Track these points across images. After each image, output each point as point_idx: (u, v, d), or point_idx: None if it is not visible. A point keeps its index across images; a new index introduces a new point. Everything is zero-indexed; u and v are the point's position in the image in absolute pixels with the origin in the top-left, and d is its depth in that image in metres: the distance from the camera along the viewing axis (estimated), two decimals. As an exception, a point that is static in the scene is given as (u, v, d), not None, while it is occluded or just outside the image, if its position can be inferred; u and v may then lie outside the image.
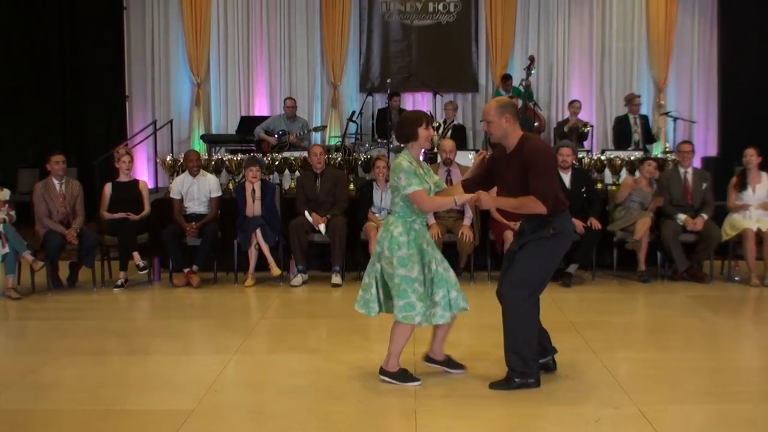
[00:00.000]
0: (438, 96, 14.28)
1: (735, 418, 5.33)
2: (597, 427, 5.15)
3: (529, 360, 5.89)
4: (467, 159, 10.91)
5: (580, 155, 11.31)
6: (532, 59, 14.56)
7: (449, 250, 9.90)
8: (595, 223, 9.79)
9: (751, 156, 10.15)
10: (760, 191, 10.04)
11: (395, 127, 6.32)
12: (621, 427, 5.15)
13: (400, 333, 6.04)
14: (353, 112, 13.83)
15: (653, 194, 10.09)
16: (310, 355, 6.92)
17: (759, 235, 9.69)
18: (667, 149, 13.53)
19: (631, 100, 13.67)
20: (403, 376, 6.08)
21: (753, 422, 5.27)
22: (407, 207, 5.95)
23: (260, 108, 15.64)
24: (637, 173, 10.61)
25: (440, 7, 15.81)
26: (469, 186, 6.16)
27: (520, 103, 13.59)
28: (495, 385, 5.93)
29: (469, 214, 9.91)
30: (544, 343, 6.24)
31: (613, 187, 11.07)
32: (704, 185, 10.22)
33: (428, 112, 13.59)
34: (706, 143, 15.81)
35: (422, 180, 5.93)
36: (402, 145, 6.15)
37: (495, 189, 6.20)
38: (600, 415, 5.32)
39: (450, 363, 6.36)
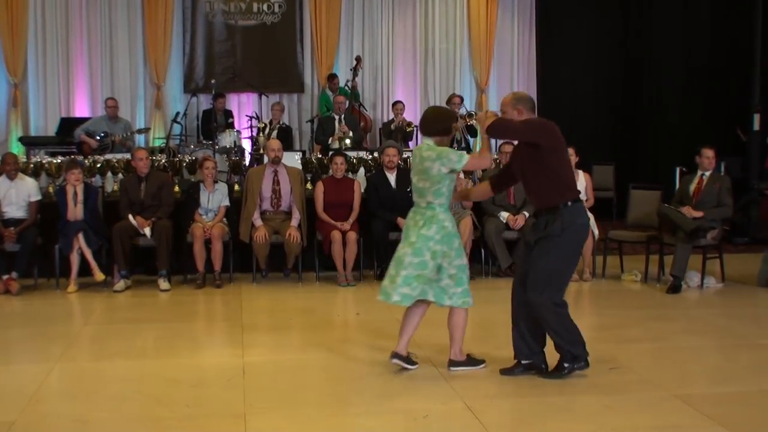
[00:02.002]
0: (264, 97, 14.20)
1: (556, 408, 5.51)
2: (425, 422, 5.22)
3: (577, 352, 6.06)
4: (293, 159, 10.92)
5: (406, 155, 11.44)
6: (358, 60, 14.68)
7: (276, 251, 9.90)
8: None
9: (570, 155, 10.45)
10: (579, 189, 10.37)
11: (427, 120, 6.28)
12: (449, 423, 5.25)
13: (460, 320, 6.25)
14: (177, 113, 13.60)
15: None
16: (135, 361, 6.77)
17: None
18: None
19: (450, 100, 13.91)
20: (473, 361, 6.33)
21: (570, 410, 5.49)
22: (449, 196, 6.12)
23: (81, 109, 15.15)
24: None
25: (264, 7, 15.71)
26: (494, 182, 6.53)
27: (347, 103, 13.67)
28: (550, 375, 6.11)
29: (296, 215, 9.90)
30: (534, 347, 6.23)
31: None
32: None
33: (254, 113, 13.55)
34: (527, 142, 16.25)
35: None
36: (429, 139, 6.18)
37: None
38: (428, 411, 5.40)
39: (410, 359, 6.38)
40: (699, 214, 9.55)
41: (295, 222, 9.88)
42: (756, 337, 7.47)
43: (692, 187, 9.89)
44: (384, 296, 6.19)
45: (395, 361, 6.22)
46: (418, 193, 6.15)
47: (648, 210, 10.37)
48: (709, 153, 9.81)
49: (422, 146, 6.20)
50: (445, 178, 6.04)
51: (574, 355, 6.06)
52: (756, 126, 13.37)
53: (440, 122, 6.21)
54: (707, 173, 9.85)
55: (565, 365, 6.08)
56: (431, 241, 6.03)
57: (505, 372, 6.21)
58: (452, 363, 6.30)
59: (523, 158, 6.10)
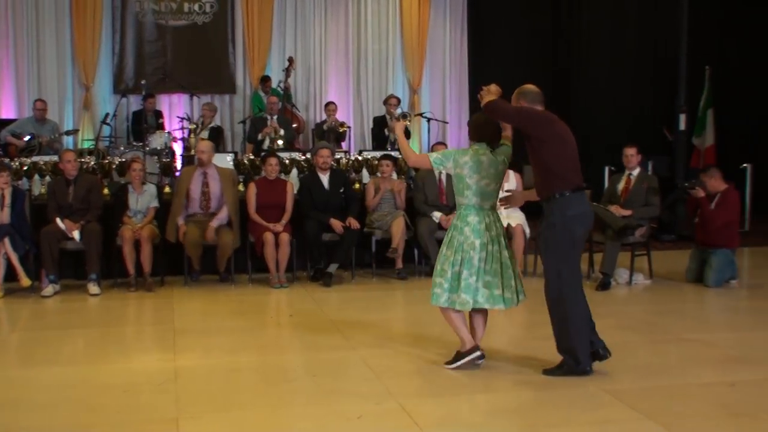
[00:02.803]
0: (195, 97, 14.10)
1: (489, 406, 5.55)
2: (359, 423, 5.23)
3: (579, 354, 6.07)
4: (225, 161, 10.86)
5: (338, 156, 11.44)
6: (290, 61, 14.65)
7: (209, 253, 9.82)
8: (354, 223, 9.92)
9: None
10: (508, 189, 10.45)
11: (479, 126, 6.37)
12: (383, 423, 5.25)
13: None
14: (107, 115, 13.41)
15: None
16: (65, 367, 6.66)
17: (508, 230, 10.10)
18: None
19: (387, 101, 13.95)
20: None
21: (503, 407, 5.52)
22: None
23: (7, 111, 14.88)
24: (378, 174, 10.76)
25: (196, 7, 15.61)
26: None
27: (280, 104, 13.62)
28: (548, 372, 6.14)
29: (220, 216, 9.78)
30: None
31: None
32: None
33: (185, 114, 13.42)
34: (459, 143, 16.35)
35: None
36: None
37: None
38: (362, 411, 5.40)
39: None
40: (627, 212, 9.69)
41: (216, 222, 9.77)
42: (683, 332, 7.60)
43: (620, 186, 10.03)
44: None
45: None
46: (487, 197, 6.25)
47: (578, 209, 10.46)
48: (629, 151, 9.95)
49: (490, 149, 6.28)
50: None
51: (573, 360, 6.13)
52: (682, 126, 13.60)
53: (490, 125, 6.30)
54: (635, 172, 9.99)
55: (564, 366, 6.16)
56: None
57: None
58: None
59: (527, 149, 6.19)
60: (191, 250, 9.67)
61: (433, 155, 6.35)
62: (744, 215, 13.48)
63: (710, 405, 5.54)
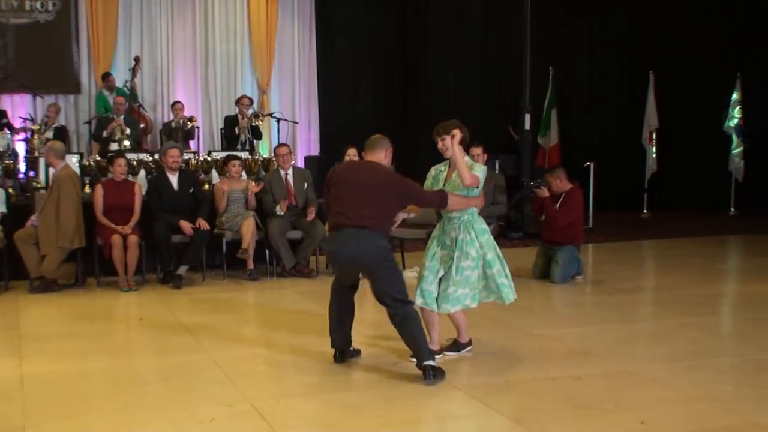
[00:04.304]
0: (38, 97, 13.73)
1: (340, 405, 5.62)
2: (212, 426, 5.21)
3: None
4: (71, 162, 10.60)
5: (187, 156, 11.32)
6: (137, 60, 14.43)
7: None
8: (203, 224, 9.84)
9: (353, 155, 10.59)
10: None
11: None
12: (236, 424, 5.25)
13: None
14: (-55, 115, 12.99)
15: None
16: None
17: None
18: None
19: (239, 101, 13.89)
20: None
21: (356, 406, 5.61)
22: None
23: None
24: (226, 174, 10.68)
25: (38, 5, 15.17)
26: None
27: (127, 104, 13.39)
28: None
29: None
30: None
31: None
32: (305, 185, 10.61)
33: (28, 115, 13.04)
34: (309, 143, 16.42)
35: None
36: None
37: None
38: (214, 414, 5.39)
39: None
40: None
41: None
42: (531, 328, 7.81)
43: (468, 185, 10.20)
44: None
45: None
46: None
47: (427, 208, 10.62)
48: (476, 150, 10.13)
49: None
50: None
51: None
52: (527, 125, 13.98)
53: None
54: (482, 171, 10.19)
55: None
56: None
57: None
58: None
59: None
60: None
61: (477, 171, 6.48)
62: (588, 212, 13.92)
63: (558, 398, 5.73)
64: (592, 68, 18.01)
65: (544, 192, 10.03)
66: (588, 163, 15.01)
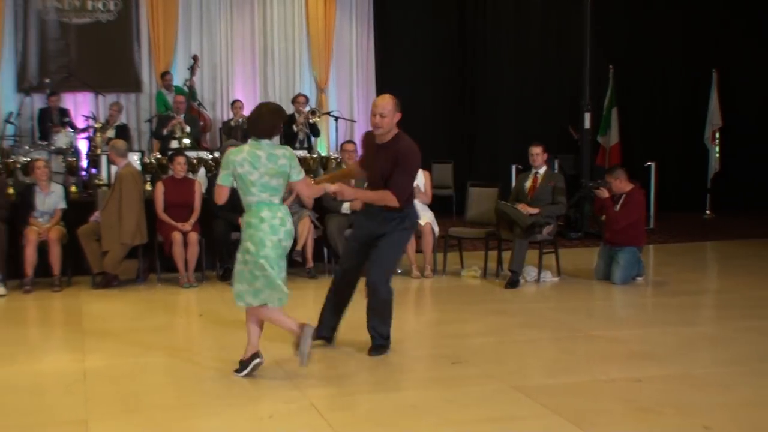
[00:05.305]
0: (101, 96, 13.90)
1: (399, 404, 5.60)
2: (270, 422, 5.22)
3: (388, 332, 6.68)
4: (132, 160, 10.71)
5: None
6: (195, 59, 14.52)
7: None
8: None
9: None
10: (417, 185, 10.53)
11: (255, 120, 6.18)
12: (294, 421, 5.25)
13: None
14: (10, 113, 13.18)
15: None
16: (-33, 371, 6.55)
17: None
18: None
19: (295, 100, 13.94)
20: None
21: (413, 405, 5.56)
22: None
23: None
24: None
25: (99, 5, 15.36)
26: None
27: (186, 102, 13.50)
28: (374, 352, 6.61)
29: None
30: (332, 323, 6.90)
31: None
32: (366, 184, 10.56)
33: (91, 113, 13.20)
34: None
35: None
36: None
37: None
38: (273, 411, 5.40)
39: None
40: (535, 210, 9.81)
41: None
42: (590, 329, 7.71)
43: (527, 184, 10.14)
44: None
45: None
46: (271, 191, 6.08)
47: (486, 207, 10.58)
48: (535, 150, 10.08)
49: (263, 145, 6.09)
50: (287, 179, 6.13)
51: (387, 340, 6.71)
52: (587, 124, 13.85)
53: (267, 122, 6.14)
54: (541, 171, 10.12)
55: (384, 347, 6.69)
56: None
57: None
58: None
59: (383, 167, 6.47)
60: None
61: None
62: (649, 213, 13.77)
63: (618, 401, 5.65)
64: (653, 66, 17.78)
65: (604, 193, 9.93)
66: (649, 163, 14.84)
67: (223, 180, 6.15)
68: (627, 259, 9.78)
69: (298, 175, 6.13)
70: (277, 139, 6.50)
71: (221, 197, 6.26)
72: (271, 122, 6.12)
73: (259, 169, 6.02)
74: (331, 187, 6.63)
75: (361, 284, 6.74)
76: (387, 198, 6.37)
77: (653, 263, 11.65)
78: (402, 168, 6.35)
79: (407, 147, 6.36)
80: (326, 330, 6.88)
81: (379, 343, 6.67)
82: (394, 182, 6.34)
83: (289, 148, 6.41)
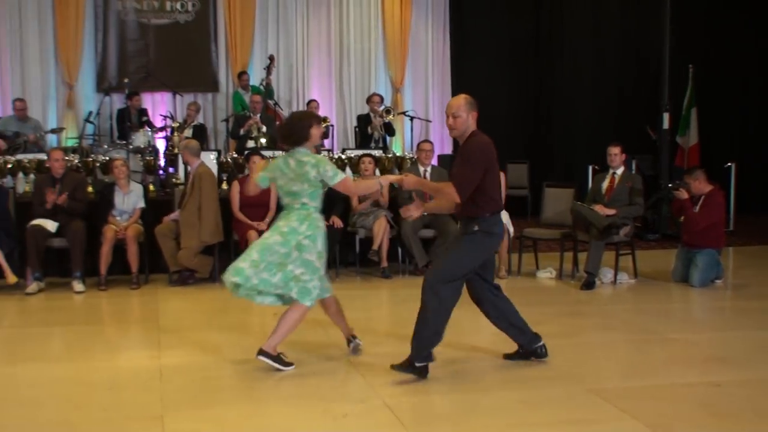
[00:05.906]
0: (178, 96, 14.08)
1: (473, 405, 5.57)
2: (344, 422, 5.24)
3: (430, 348, 6.09)
4: (209, 159, 10.83)
5: (322, 154, 11.43)
6: (271, 58, 14.64)
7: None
8: (337, 222, 9.95)
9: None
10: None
11: (283, 131, 6.47)
12: (368, 421, 5.27)
13: (296, 315, 6.55)
14: (90, 113, 13.39)
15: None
16: (49, 364, 6.66)
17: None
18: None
19: (370, 99, 13.96)
20: (281, 360, 6.37)
21: (486, 406, 5.55)
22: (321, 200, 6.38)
23: (-8, 109, 14.84)
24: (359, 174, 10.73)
25: (178, 6, 15.56)
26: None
27: (262, 102, 13.59)
28: (397, 367, 6.09)
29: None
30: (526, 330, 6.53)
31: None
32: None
33: (168, 113, 13.36)
34: (442, 142, 16.36)
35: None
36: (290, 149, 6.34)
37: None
38: (347, 410, 5.42)
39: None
40: (612, 211, 9.70)
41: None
42: (667, 332, 7.61)
43: (604, 185, 10.04)
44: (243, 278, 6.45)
45: (261, 358, 6.32)
46: (292, 197, 6.32)
47: (562, 208, 10.51)
48: (614, 150, 9.98)
49: (296, 152, 6.30)
50: (321, 184, 6.27)
51: (425, 356, 6.15)
52: (665, 125, 13.66)
53: (297, 131, 6.32)
54: (618, 171, 10.01)
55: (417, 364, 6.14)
56: (301, 234, 6.27)
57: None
58: (262, 352, 6.34)
59: (456, 166, 6.30)
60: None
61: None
62: (729, 215, 13.52)
63: (695, 405, 5.56)
64: (733, 66, 17.45)
65: (684, 194, 9.79)
66: (729, 164, 14.57)
67: (258, 179, 6.53)
68: (706, 262, 9.63)
69: (333, 178, 6.23)
70: (316, 141, 6.54)
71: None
72: (300, 128, 6.32)
73: (288, 175, 6.26)
74: (391, 177, 6.70)
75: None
76: (447, 191, 6.11)
77: (732, 266, 11.45)
78: (465, 160, 6.13)
79: (475, 142, 6.16)
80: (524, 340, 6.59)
81: (410, 359, 6.11)
82: (454, 174, 6.14)
83: (319, 156, 6.58)
